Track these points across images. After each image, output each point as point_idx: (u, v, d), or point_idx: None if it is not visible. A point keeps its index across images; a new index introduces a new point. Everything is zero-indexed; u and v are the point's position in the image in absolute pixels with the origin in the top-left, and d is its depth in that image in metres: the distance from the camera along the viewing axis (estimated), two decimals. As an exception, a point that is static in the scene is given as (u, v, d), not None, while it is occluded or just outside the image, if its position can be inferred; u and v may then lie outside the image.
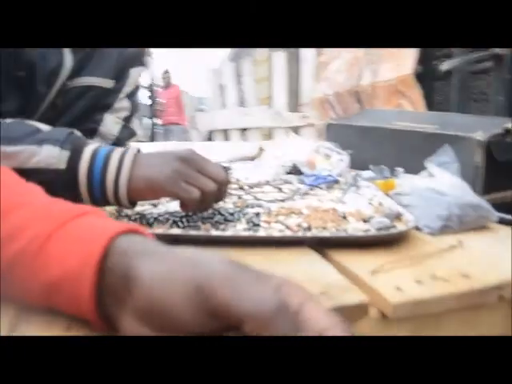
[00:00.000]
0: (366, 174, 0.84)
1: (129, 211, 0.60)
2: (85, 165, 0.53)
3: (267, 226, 0.56)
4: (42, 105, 0.75)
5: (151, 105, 6.25)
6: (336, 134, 1.00)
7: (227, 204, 0.67)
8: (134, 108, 0.90)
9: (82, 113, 0.80)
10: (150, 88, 3.61)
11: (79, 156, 0.54)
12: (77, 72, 0.78)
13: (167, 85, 6.37)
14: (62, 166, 0.53)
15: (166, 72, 6.42)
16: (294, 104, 2.93)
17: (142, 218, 0.58)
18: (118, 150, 0.55)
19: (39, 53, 0.70)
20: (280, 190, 0.79)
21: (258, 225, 0.56)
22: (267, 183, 0.84)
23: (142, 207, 0.64)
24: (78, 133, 0.58)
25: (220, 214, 0.61)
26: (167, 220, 0.58)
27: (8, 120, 0.57)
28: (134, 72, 0.88)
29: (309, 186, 0.81)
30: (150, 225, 0.56)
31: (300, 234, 0.53)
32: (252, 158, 0.99)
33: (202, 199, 0.55)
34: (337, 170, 0.88)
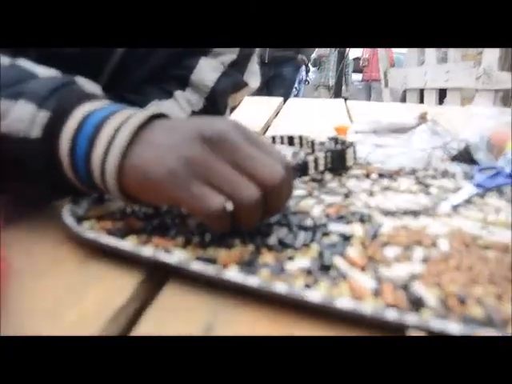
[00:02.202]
0: None
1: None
2: (68, 134, 0.34)
3: (344, 273, 0.29)
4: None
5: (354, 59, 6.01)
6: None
7: (314, 209, 0.41)
8: (248, 50, 0.67)
9: (168, 57, 0.61)
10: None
11: (64, 120, 0.34)
12: None
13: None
14: (35, 132, 0.34)
15: None
16: (509, 61, 2.30)
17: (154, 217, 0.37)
18: (121, 114, 0.34)
19: None
20: (426, 188, 0.49)
21: (327, 267, 0.30)
22: (413, 173, 0.54)
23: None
24: (83, 82, 0.39)
25: (288, 227, 0.36)
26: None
27: (5, 61, 0.40)
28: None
29: (480, 188, 0.49)
30: (167, 228, 0.35)
31: (389, 315, 0.25)
32: (408, 130, 0.69)
33: (236, 213, 0.31)
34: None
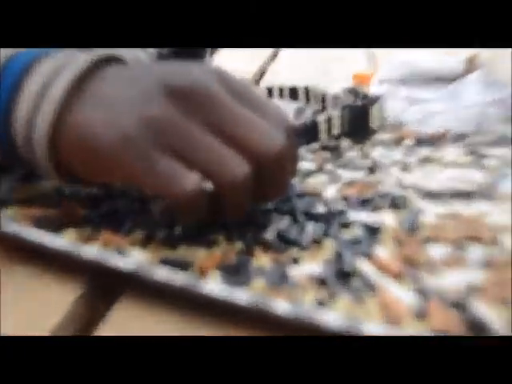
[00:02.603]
0: None
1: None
2: None
3: (372, 284, 0.27)
4: None
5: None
6: None
7: (328, 189, 0.39)
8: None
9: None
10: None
11: None
12: None
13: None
14: None
15: None
16: None
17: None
18: (58, 57, 0.32)
19: None
20: (480, 159, 0.47)
21: (347, 274, 0.28)
22: (461, 138, 0.52)
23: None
24: None
25: (292, 215, 0.34)
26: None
27: None
28: None
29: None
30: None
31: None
32: (453, 79, 0.67)
33: (220, 195, 0.30)
34: None
